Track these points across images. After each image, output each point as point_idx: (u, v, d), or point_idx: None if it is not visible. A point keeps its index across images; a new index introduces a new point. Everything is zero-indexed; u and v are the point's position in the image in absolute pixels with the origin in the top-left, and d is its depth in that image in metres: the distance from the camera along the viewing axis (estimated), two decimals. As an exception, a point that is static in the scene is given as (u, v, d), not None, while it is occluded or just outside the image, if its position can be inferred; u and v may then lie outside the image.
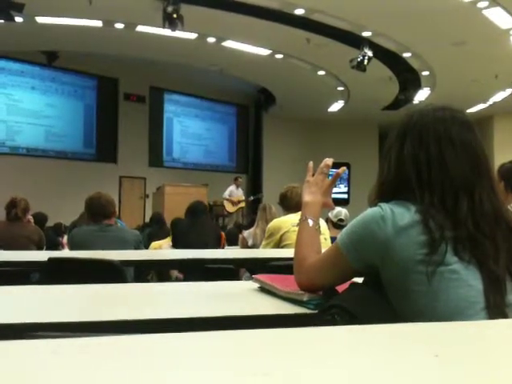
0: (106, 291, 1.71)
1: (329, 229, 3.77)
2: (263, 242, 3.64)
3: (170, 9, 8.52)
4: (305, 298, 1.39)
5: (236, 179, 12.09)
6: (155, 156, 14.49)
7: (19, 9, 8.25)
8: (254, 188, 14.68)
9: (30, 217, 4.53)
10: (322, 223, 3.12)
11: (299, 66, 11.84)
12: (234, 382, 0.66)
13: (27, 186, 10.52)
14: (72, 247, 3.50)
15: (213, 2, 8.84)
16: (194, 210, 4.93)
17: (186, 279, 3.84)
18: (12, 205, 4.25)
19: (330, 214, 4.62)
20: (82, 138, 13.52)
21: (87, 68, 13.15)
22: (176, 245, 4.49)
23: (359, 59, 10.34)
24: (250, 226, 6.86)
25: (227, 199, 11.73)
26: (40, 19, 9.50)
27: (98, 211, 3.52)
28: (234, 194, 11.89)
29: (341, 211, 4.59)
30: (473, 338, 0.94)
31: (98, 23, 9.80)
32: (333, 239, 3.25)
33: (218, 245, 4.79)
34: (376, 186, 1.37)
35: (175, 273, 4.25)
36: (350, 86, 13.10)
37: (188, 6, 8.66)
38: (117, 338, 0.85)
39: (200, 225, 4.75)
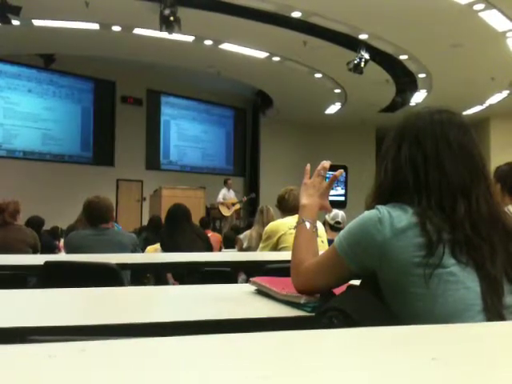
0: (103, 294, 1.71)
1: (326, 231, 3.77)
2: (260, 245, 3.64)
3: (166, 12, 8.52)
4: (302, 301, 1.39)
5: (226, 181, 12.07)
6: (152, 159, 14.50)
7: (16, 12, 8.25)
8: (252, 191, 14.68)
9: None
10: (320, 226, 3.12)
11: (296, 69, 11.86)
12: (232, 386, 0.66)
13: (24, 189, 10.52)
14: (69, 251, 3.49)
15: (210, 4, 8.85)
16: (173, 216, 4.42)
17: (183, 282, 3.83)
18: None
19: (327, 217, 4.62)
20: (78, 140, 13.52)
21: (84, 71, 13.16)
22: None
23: (356, 62, 10.36)
24: (247, 228, 6.86)
25: (222, 203, 11.72)
26: (37, 22, 9.50)
27: (96, 216, 3.51)
28: (227, 196, 11.87)
29: (338, 213, 4.59)
30: (470, 340, 0.94)
31: (95, 26, 9.81)
32: (330, 242, 3.25)
33: (208, 249, 4.45)
34: (373, 188, 1.37)
35: (171, 279, 4.23)
36: (346, 89, 13.12)
37: (185, 8, 8.67)
38: (114, 341, 0.85)
39: (181, 235, 4.26)
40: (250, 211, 12.95)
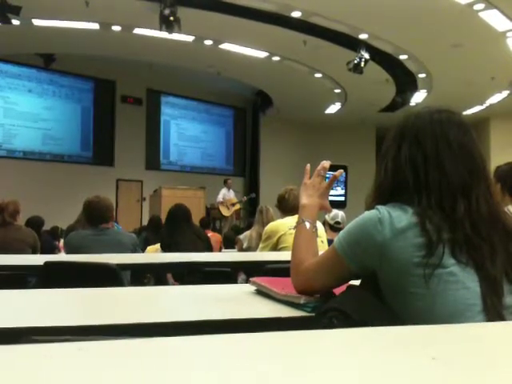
0: (103, 295, 1.71)
1: (326, 231, 3.77)
2: (260, 245, 3.64)
3: (166, 11, 8.51)
4: (302, 301, 1.38)
5: (226, 181, 12.09)
6: (152, 159, 14.49)
7: (16, 11, 8.25)
8: (251, 191, 14.68)
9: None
10: (320, 226, 3.12)
11: (296, 69, 11.86)
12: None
13: (24, 189, 10.52)
14: (68, 251, 3.49)
15: (210, 4, 8.85)
16: (174, 216, 4.47)
17: (182, 282, 3.83)
18: None
19: (326, 217, 4.62)
20: (78, 140, 13.51)
21: (84, 70, 13.15)
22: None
23: (356, 61, 10.36)
24: (247, 228, 6.86)
25: (221, 203, 11.73)
26: (37, 22, 9.50)
27: (96, 215, 3.51)
28: (227, 196, 11.89)
29: (338, 214, 4.59)
30: (470, 340, 0.94)
31: (95, 26, 9.81)
32: (330, 242, 3.25)
33: (208, 250, 4.47)
34: (373, 188, 1.37)
35: (171, 279, 4.23)
36: (347, 89, 13.12)
37: (185, 8, 8.66)
38: (114, 341, 0.85)
39: (180, 235, 4.28)
40: (250, 211, 12.95)
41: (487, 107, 13.84)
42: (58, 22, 9.55)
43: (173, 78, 13.75)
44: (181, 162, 15.19)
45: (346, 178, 15.68)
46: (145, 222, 9.79)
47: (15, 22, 8.72)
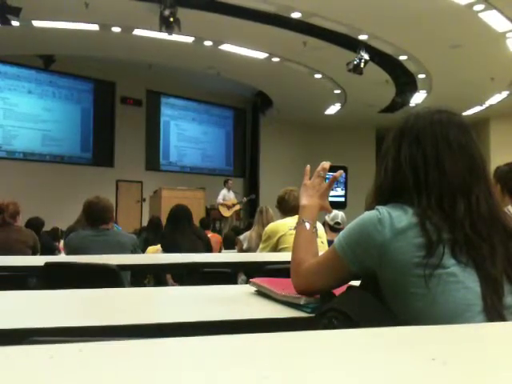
0: (103, 296, 1.71)
1: (326, 232, 3.77)
2: (260, 246, 3.64)
3: (166, 12, 8.52)
4: (302, 302, 1.39)
5: (226, 182, 12.10)
6: (152, 160, 14.49)
7: (16, 13, 8.25)
8: (251, 191, 14.68)
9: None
10: (320, 226, 3.12)
11: (296, 70, 11.86)
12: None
13: (24, 190, 10.52)
14: (68, 252, 3.49)
15: (209, 5, 8.85)
16: (175, 216, 4.50)
17: (182, 283, 3.83)
18: None
19: (326, 217, 4.62)
20: (78, 141, 13.51)
21: (84, 72, 13.16)
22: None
23: (356, 62, 10.36)
24: (247, 229, 6.86)
25: (221, 204, 11.73)
26: (37, 23, 9.51)
27: (96, 216, 3.51)
28: (227, 197, 11.89)
29: (337, 214, 4.59)
30: (470, 340, 0.94)
31: (95, 27, 9.81)
32: (330, 242, 3.24)
33: (208, 251, 4.48)
34: (373, 189, 1.37)
35: (170, 280, 4.23)
36: (346, 89, 13.13)
37: (185, 9, 8.67)
38: (114, 342, 0.85)
39: (181, 235, 4.31)
40: (250, 212, 12.95)
41: (487, 108, 13.84)
42: (58, 23, 9.55)
43: (173, 78, 13.75)
44: (181, 163, 15.20)
45: (346, 178, 15.63)
46: (145, 223, 9.78)
47: (15, 23, 8.72)
